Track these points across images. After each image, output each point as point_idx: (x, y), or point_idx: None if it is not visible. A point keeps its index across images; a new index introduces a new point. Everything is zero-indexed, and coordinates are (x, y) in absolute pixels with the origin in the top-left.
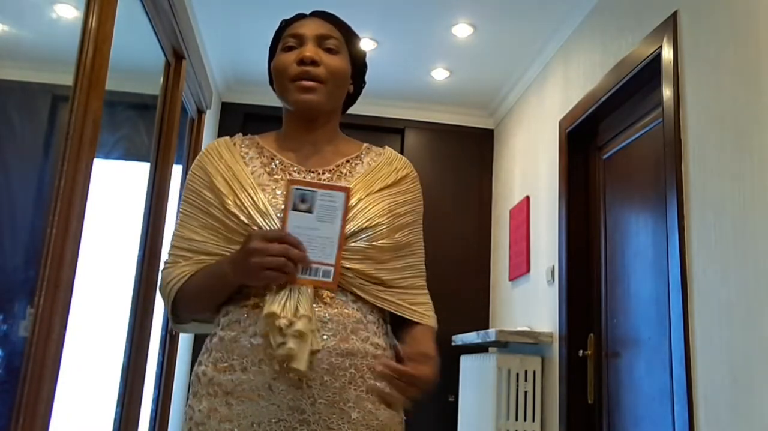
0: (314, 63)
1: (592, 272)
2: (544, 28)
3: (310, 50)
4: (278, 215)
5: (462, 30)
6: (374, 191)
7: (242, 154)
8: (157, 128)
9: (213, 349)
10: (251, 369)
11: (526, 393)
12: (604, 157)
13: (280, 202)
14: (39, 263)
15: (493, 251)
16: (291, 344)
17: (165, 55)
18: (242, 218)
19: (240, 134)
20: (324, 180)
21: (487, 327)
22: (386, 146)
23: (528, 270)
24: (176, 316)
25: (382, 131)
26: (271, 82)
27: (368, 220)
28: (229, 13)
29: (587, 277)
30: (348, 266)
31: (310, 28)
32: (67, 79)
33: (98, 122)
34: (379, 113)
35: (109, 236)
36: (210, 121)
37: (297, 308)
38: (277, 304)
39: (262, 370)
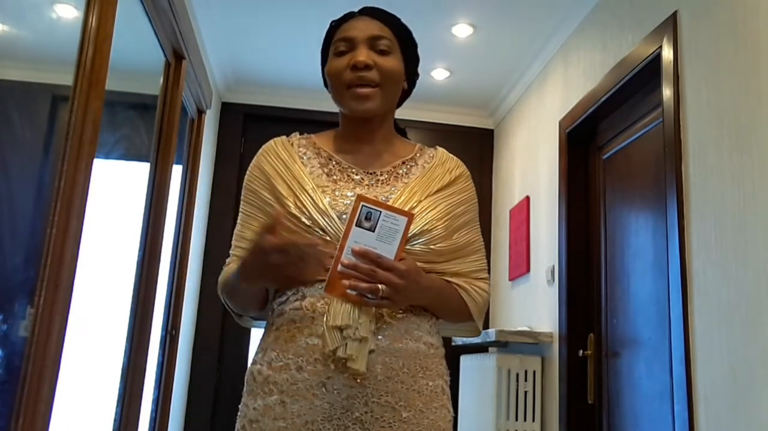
0: (368, 67)
1: (592, 272)
2: (544, 28)
3: (362, 54)
4: (338, 216)
5: (462, 30)
6: (432, 193)
7: (300, 154)
8: (157, 128)
9: (268, 348)
10: (306, 368)
11: (526, 393)
12: (604, 157)
13: (340, 204)
14: (39, 263)
15: (493, 251)
16: (351, 350)
17: (165, 55)
18: (303, 219)
19: (297, 133)
20: (381, 182)
21: (487, 327)
22: (438, 147)
23: (528, 270)
24: (233, 311)
25: None
26: (325, 84)
27: (427, 223)
28: (229, 13)
29: (587, 277)
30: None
31: (360, 30)
32: (67, 79)
33: (98, 122)
34: None
35: (109, 236)
36: (210, 121)
37: (358, 314)
38: (341, 313)
39: (317, 369)
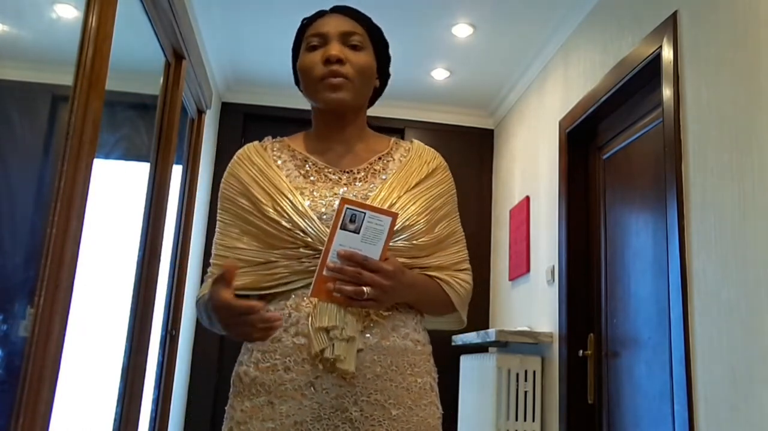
0: (340, 61)
1: (592, 272)
2: (544, 28)
3: (335, 48)
4: (319, 217)
5: (462, 30)
6: (411, 188)
7: (274, 158)
8: (157, 128)
9: (254, 349)
10: (294, 368)
11: (526, 393)
12: (604, 157)
13: (320, 205)
14: (39, 263)
15: (493, 251)
16: (339, 350)
17: (165, 55)
18: (284, 223)
19: (269, 137)
20: (358, 179)
21: (487, 327)
22: (413, 140)
23: (528, 270)
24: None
25: (382, 131)
26: (296, 83)
27: (408, 219)
28: (229, 13)
29: (587, 277)
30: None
31: (333, 26)
32: (67, 79)
33: (98, 122)
34: (379, 113)
35: (109, 236)
36: (210, 121)
37: (345, 314)
38: (327, 313)
39: (305, 369)
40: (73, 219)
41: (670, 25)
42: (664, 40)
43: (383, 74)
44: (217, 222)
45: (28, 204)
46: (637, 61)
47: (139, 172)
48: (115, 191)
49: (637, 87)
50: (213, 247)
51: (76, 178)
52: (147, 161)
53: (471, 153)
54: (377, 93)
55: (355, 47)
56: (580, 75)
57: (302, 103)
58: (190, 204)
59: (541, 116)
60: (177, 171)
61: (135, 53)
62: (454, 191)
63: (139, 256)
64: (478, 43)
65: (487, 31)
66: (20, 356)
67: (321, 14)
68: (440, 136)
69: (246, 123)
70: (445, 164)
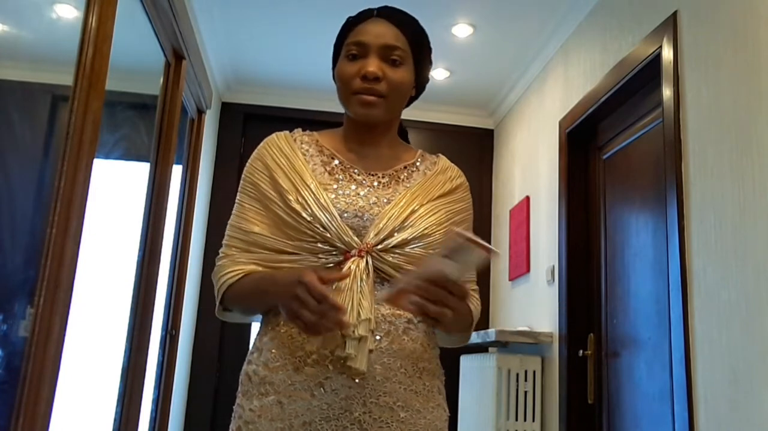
0: (377, 79)
1: (592, 272)
2: (544, 28)
3: (373, 65)
4: (340, 214)
5: (462, 30)
6: (433, 199)
7: (303, 150)
8: (157, 128)
9: (264, 348)
10: (304, 368)
11: (526, 393)
12: (604, 157)
13: (342, 202)
14: (39, 263)
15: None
16: (351, 349)
17: (165, 55)
18: (304, 215)
19: (299, 129)
20: (383, 185)
21: (487, 327)
22: (440, 155)
23: (528, 270)
24: (223, 305)
25: None
26: (334, 78)
27: (427, 228)
28: (229, 13)
29: (587, 277)
30: (405, 268)
31: (375, 36)
32: (67, 79)
33: (98, 122)
34: None
35: (109, 236)
36: (210, 121)
37: (359, 313)
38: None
39: (315, 370)
40: (73, 219)
41: (670, 25)
42: (664, 40)
43: (421, 81)
44: (236, 204)
45: (28, 204)
46: (637, 61)
47: (139, 172)
48: (115, 191)
49: (637, 87)
50: (228, 228)
51: (76, 178)
52: (147, 161)
53: (471, 153)
54: (412, 99)
55: (394, 62)
56: (580, 75)
57: (303, 103)
58: (190, 204)
59: (541, 116)
60: (177, 171)
61: (135, 53)
62: (472, 212)
63: (139, 256)
64: (478, 43)
65: (487, 31)
66: (20, 356)
67: (367, 16)
68: (440, 136)
69: (246, 123)
70: (467, 184)
